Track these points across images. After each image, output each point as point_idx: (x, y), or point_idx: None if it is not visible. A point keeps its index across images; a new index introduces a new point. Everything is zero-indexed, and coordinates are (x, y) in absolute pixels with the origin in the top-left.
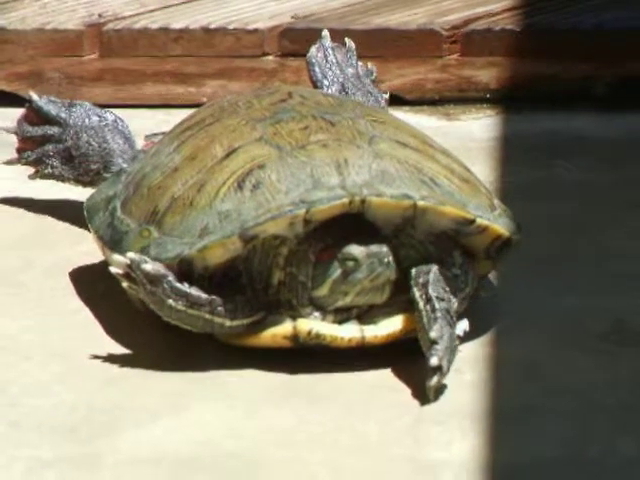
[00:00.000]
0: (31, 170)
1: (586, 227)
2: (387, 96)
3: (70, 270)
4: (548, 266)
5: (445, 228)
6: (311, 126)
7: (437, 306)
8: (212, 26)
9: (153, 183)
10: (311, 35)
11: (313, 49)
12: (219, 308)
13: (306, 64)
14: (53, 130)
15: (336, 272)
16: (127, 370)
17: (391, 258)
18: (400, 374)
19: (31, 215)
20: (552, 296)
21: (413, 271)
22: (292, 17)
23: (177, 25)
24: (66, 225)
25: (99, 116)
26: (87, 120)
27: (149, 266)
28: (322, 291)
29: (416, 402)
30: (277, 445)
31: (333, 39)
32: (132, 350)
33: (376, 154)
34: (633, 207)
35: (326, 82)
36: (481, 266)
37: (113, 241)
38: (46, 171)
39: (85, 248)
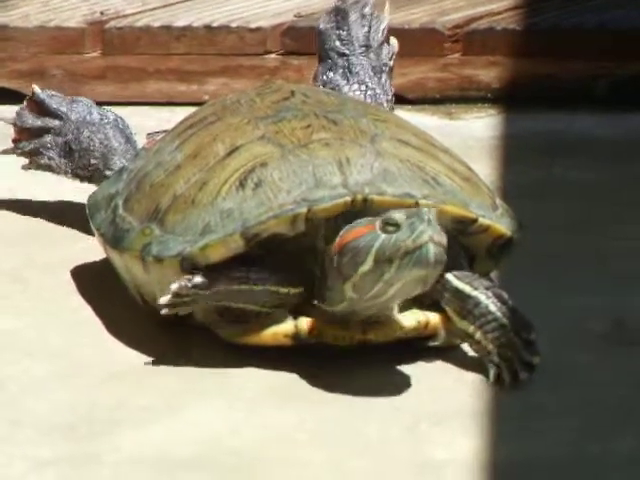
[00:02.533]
0: (25, 161)
1: (587, 226)
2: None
3: (71, 267)
4: (549, 265)
5: (447, 227)
6: (313, 125)
7: (518, 309)
8: (215, 24)
9: (155, 181)
10: (314, 34)
11: (325, 16)
12: (278, 278)
13: (315, 34)
14: (53, 123)
15: (379, 239)
16: (127, 368)
17: (432, 217)
18: (401, 374)
19: (33, 212)
20: (553, 295)
21: (450, 275)
22: (295, 15)
23: (180, 23)
24: (68, 222)
25: (100, 114)
26: (89, 116)
27: (198, 278)
28: (367, 265)
29: (417, 402)
30: (278, 444)
31: None
32: (133, 348)
33: (378, 153)
34: (634, 206)
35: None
36: (482, 265)
37: (115, 239)
38: (42, 162)
39: (87, 245)
